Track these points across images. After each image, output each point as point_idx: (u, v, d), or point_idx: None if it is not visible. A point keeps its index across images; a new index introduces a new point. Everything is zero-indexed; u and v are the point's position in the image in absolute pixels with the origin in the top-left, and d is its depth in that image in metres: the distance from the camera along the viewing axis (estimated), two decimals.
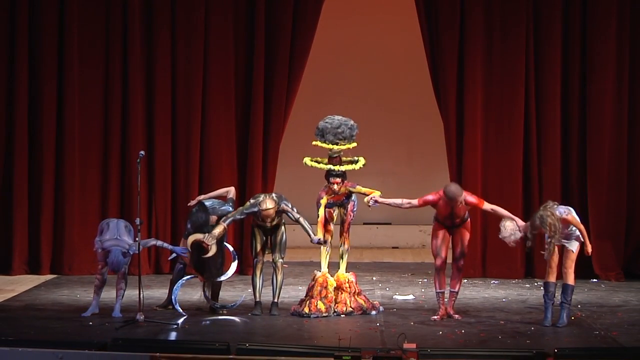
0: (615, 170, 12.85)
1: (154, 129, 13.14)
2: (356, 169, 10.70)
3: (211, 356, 8.28)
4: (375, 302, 10.67)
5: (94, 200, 13.08)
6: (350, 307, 10.40)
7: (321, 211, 10.54)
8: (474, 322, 10.04)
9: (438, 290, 10.32)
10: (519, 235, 9.95)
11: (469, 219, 10.32)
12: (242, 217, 10.51)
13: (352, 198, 10.67)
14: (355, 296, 10.49)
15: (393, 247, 15.97)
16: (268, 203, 10.29)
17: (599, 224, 12.72)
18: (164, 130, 13.14)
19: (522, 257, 12.83)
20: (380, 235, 16.09)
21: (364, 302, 10.50)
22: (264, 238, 10.51)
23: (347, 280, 10.50)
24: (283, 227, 10.52)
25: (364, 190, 10.55)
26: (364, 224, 16.14)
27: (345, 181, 10.60)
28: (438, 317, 10.23)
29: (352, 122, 10.69)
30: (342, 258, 10.61)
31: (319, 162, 10.64)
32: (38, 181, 13.12)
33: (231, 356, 8.30)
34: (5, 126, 13.11)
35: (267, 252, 10.61)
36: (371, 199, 10.40)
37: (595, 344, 9.16)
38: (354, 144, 10.70)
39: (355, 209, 10.68)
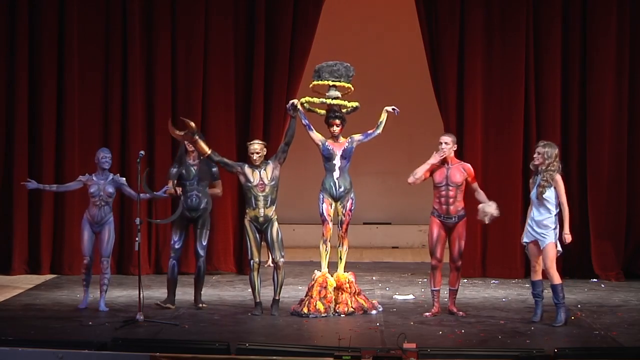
0: (615, 170, 12.85)
1: (153, 129, 13.15)
2: (348, 106, 10.62)
3: (211, 356, 8.28)
4: (374, 302, 10.67)
5: None
6: (352, 307, 10.40)
7: (314, 134, 10.54)
8: (474, 322, 10.04)
9: (433, 289, 10.38)
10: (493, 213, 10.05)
11: (465, 217, 10.31)
12: (230, 163, 10.54)
13: (351, 195, 10.63)
14: (356, 296, 10.50)
15: (393, 247, 15.98)
16: (255, 140, 10.55)
17: (599, 224, 12.73)
18: (163, 130, 13.11)
19: (522, 257, 12.83)
20: (380, 235, 16.10)
21: (364, 301, 10.51)
22: (258, 236, 10.44)
23: (347, 281, 10.51)
24: (277, 224, 10.44)
25: (358, 137, 10.63)
26: (364, 223, 16.15)
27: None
28: (430, 314, 10.31)
29: (348, 63, 10.69)
30: (341, 258, 10.60)
31: (315, 101, 10.64)
32: (38, 181, 13.08)
33: (231, 356, 8.31)
34: (6, 126, 13.12)
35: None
36: (393, 109, 10.62)
37: (595, 344, 9.15)
38: (350, 86, 10.65)
39: (353, 208, 10.65)
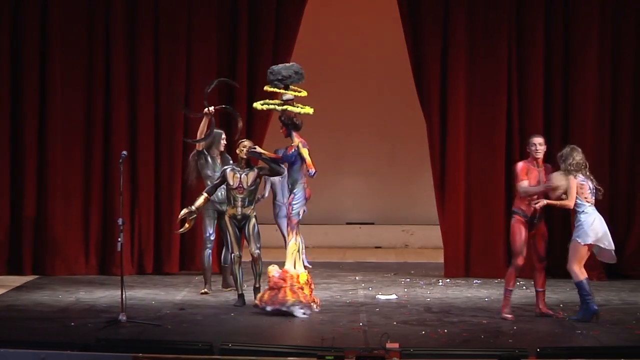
0: (597, 170, 12.81)
1: (136, 129, 13.11)
2: (274, 108, 10.65)
3: (194, 356, 8.28)
4: (314, 301, 10.51)
5: (76, 201, 13.04)
6: (286, 301, 10.27)
7: (305, 153, 10.55)
8: (456, 322, 10.05)
9: (510, 288, 10.25)
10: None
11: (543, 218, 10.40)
12: (218, 183, 10.90)
13: (295, 190, 10.61)
14: (298, 290, 10.35)
15: (376, 247, 15.98)
16: (245, 139, 10.88)
17: None
18: (146, 130, 13.12)
19: (505, 257, 12.85)
20: (363, 235, 16.11)
21: (303, 298, 10.30)
22: (237, 230, 10.79)
23: (291, 276, 10.42)
24: (254, 219, 10.76)
25: (306, 156, 10.47)
26: (347, 223, 16.17)
27: (296, 134, 10.57)
28: (511, 316, 10.16)
29: (291, 65, 10.73)
30: (290, 254, 10.54)
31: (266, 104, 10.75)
32: (20, 181, 13.06)
33: (214, 356, 8.30)
34: None
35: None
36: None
37: (577, 343, 9.19)
38: (291, 90, 10.63)
39: (293, 202, 10.56)
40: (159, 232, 13.09)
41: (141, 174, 13.07)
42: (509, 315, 10.18)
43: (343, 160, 16.23)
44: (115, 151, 12.77)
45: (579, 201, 10.15)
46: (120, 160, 10.17)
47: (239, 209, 10.71)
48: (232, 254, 10.81)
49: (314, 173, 10.44)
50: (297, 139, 10.56)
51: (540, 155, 10.32)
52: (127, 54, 13.08)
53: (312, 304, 10.38)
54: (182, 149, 13.08)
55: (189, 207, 10.83)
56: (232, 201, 10.75)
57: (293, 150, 10.56)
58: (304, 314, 10.23)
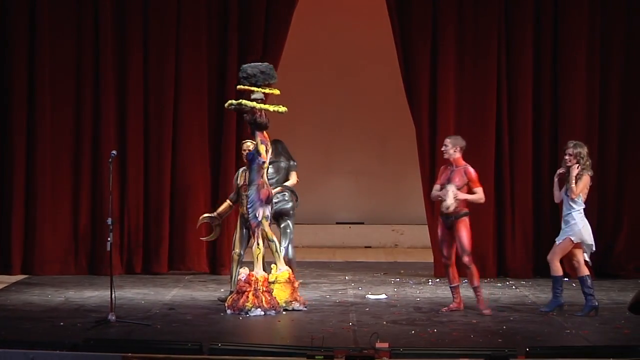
0: None
1: (125, 128, 13.09)
2: (229, 105, 10.69)
3: (184, 356, 8.27)
4: (296, 300, 10.58)
5: (65, 200, 13.02)
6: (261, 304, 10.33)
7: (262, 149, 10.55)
8: (446, 322, 10.07)
9: (450, 285, 10.65)
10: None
11: (464, 217, 10.42)
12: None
13: (248, 193, 10.60)
14: (262, 294, 10.38)
15: (365, 247, 15.99)
16: (248, 139, 10.94)
17: None
18: (136, 130, 13.10)
19: (495, 257, 12.89)
20: (352, 234, 16.12)
21: (266, 302, 10.33)
22: (245, 230, 10.86)
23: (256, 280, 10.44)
24: None
25: (262, 151, 10.49)
26: (337, 223, 16.18)
27: (259, 133, 10.54)
28: (447, 308, 10.53)
29: (259, 64, 10.69)
30: (256, 258, 10.57)
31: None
32: (9, 181, 13.02)
33: (204, 356, 8.30)
34: None
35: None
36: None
37: (566, 343, 9.22)
38: (267, 90, 10.62)
39: (249, 205, 10.58)
40: (148, 232, 13.07)
41: (130, 174, 13.05)
42: (445, 308, 10.52)
43: (333, 160, 16.24)
44: (104, 151, 12.75)
45: (580, 200, 10.39)
46: (110, 160, 10.16)
47: (245, 207, 10.75)
48: (233, 252, 10.90)
49: (263, 162, 10.50)
50: (258, 138, 10.57)
51: (446, 156, 10.57)
52: (116, 54, 13.05)
53: (275, 307, 10.34)
54: (171, 148, 13.08)
55: (211, 213, 11.11)
56: (240, 200, 10.90)
57: (252, 149, 10.60)
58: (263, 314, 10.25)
